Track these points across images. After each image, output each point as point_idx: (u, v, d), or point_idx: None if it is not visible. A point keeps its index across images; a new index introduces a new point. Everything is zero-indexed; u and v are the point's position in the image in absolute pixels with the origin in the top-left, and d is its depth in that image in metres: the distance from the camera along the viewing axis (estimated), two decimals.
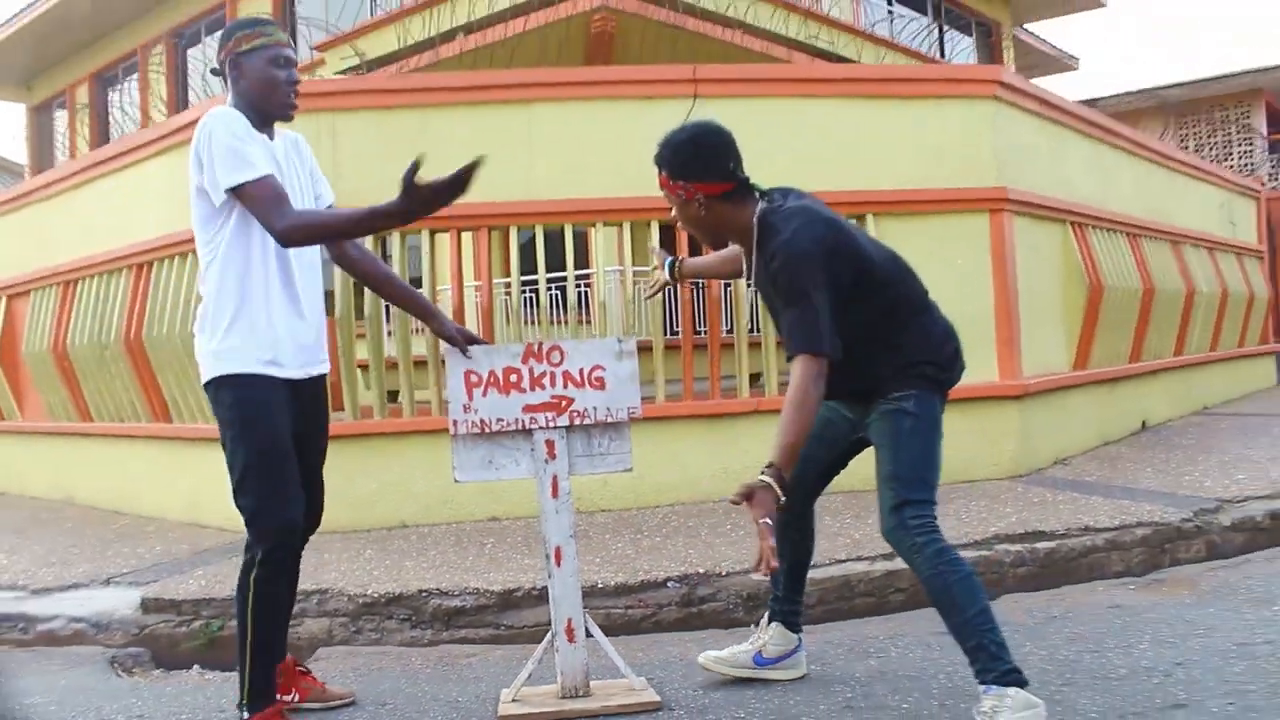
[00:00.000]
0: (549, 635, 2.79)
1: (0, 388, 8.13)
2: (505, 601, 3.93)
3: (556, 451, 2.78)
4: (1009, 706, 2.20)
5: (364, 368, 6.40)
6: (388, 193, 2.29)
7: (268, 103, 2.68)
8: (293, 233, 2.48)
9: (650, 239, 5.33)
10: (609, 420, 2.81)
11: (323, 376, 2.81)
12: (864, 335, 2.45)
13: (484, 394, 2.76)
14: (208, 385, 2.69)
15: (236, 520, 5.49)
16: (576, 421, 2.80)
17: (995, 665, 2.26)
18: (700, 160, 2.54)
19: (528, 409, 2.77)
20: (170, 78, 15.58)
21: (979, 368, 5.73)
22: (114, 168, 6.66)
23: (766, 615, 2.95)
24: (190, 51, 16.05)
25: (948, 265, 5.68)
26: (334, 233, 2.65)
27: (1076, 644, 3.03)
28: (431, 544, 4.79)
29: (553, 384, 2.78)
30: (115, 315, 6.44)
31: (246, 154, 2.52)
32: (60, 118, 18.72)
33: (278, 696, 2.66)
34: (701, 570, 3.96)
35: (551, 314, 5.86)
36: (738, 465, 5.38)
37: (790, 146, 5.63)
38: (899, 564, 4.02)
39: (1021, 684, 2.25)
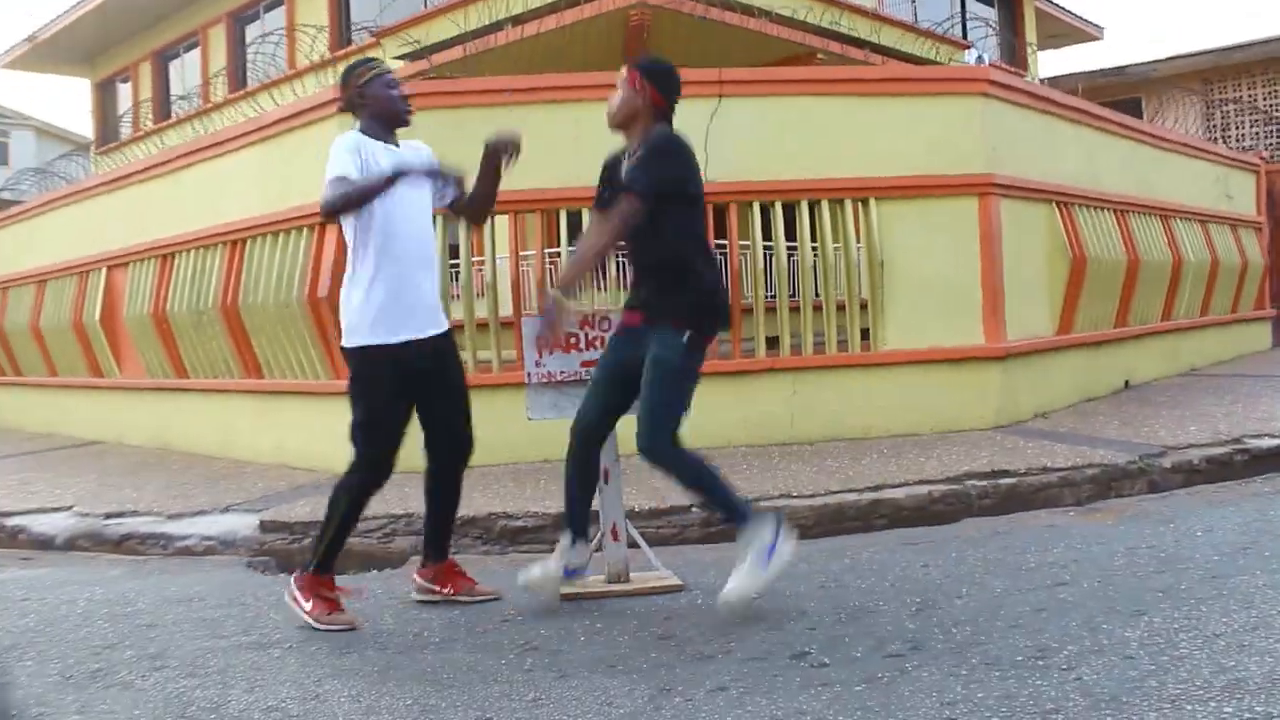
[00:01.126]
0: (598, 535, 3.69)
1: (101, 349, 9.14)
2: (559, 523, 4.82)
3: None
4: (752, 528, 3.18)
5: None
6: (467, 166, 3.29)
7: (392, 115, 3.56)
8: (324, 207, 3.37)
9: None
10: None
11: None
12: (687, 250, 3.35)
13: (550, 354, 3.65)
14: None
15: (320, 461, 6.43)
16: None
17: (738, 515, 3.24)
18: (669, 82, 3.51)
19: (584, 364, 3.67)
20: (230, 55, 16.48)
21: (967, 332, 6.56)
22: (210, 155, 7.59)
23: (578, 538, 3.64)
24: (249, 28, 16.91)
25: (939, 242, 6.51)
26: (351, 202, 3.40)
27: (1008, 550, 3.89)
28: (493, 480, 5.70)
29: (602, 345, 3.66)
30: (211, 285, 7.39)
31: (336, 165, 3.35)
32: (123, 92, 19.68)
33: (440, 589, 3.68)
34: None
35: (595, 280, 6.74)
36: (755, 415, 6.27)
37: (803, 138, 6.46)
38: (884, 494, 4.91)
39: (749, 516, 3.22)
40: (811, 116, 6.51)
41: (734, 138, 6.32)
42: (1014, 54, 17.24)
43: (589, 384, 3.53)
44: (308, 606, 3.45)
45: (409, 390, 3.52)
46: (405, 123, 3.62)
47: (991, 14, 17.60)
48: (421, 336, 3.49)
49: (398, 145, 3.59)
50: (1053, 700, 2.26)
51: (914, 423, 6.48)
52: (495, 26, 10.24)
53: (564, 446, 6.24)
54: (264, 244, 6.92)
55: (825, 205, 6.51)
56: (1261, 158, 12.21)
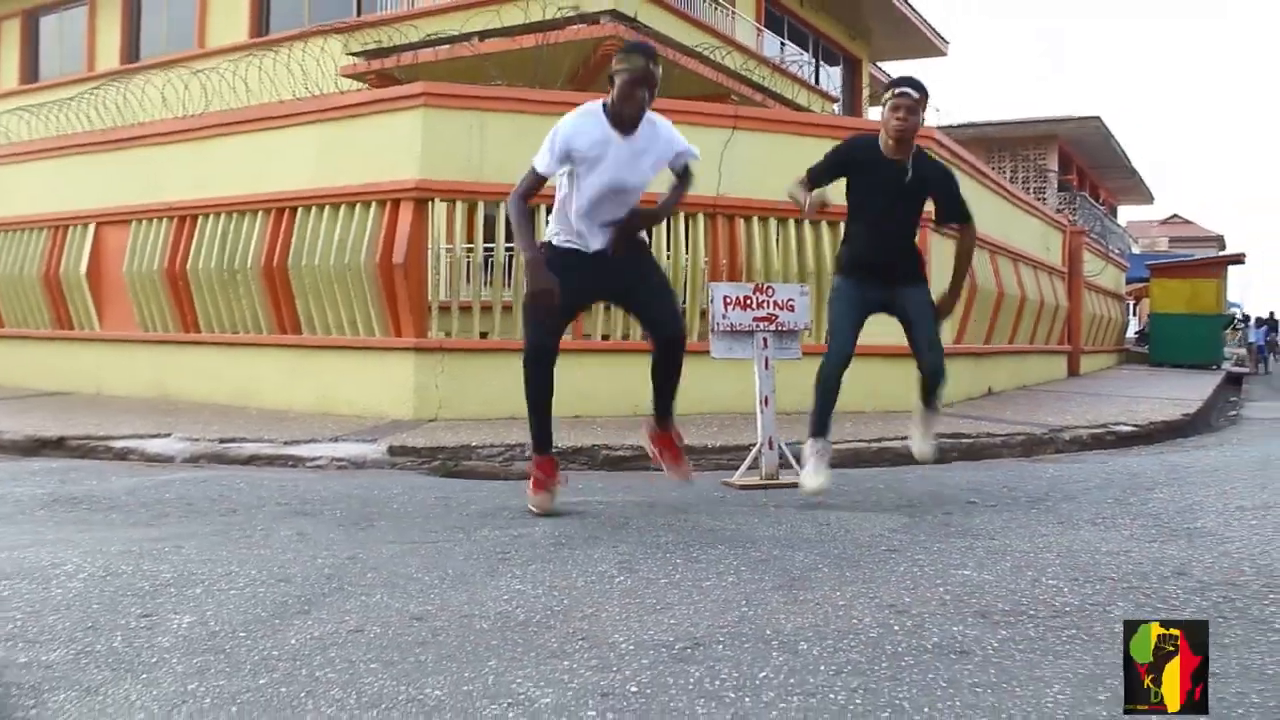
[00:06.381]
0: (758, 445, 5.05)
1: (83, 302, 9.53)
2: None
3: (768, 344, 5.07)
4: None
5: None
6: (524, 166, 4.15)
7: (621, 108, 4.07)
8: (508, 206, 4.31)
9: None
10: (794, 329, 5.12)
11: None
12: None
13: (732, 309, 5.00)
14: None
15: (370, 409, 7.31)
16: (778, 328, 5.08)
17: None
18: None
19: (755, 319, 5.03)
20: (126, 20, 16.44)
21: (900, 335, 8.28)
22: (252, 128, 8.35)
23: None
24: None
25: None
26: (517, 236, 4.34)
27: (1025, 472, 5.55)
28: (599, 425, 6.87)
29: (768, 306, 5.05)
30: (251, 247, 8.13)
31: (544, 149, 4.18)
32: None
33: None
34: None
35: None
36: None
37: (787, 169, 8.01)
38: (885, 444, 6.47)
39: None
40: (797, 151, 8.08)
41: (743, 162, 7.82)
42: (854, 106, 19.66)
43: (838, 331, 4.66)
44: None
45: None
46: (628, 118, 4.06)
47: (838, 71, 20.00)
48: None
49: (633, 129, 4.12)
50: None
51: (860, 402, 8.12)
52: (463, 37, 11.31)
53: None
54: (322, 213, 7.78)
55: (808, 225, 8.11)
56: (1070, 220, 14.87)
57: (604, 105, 4.17)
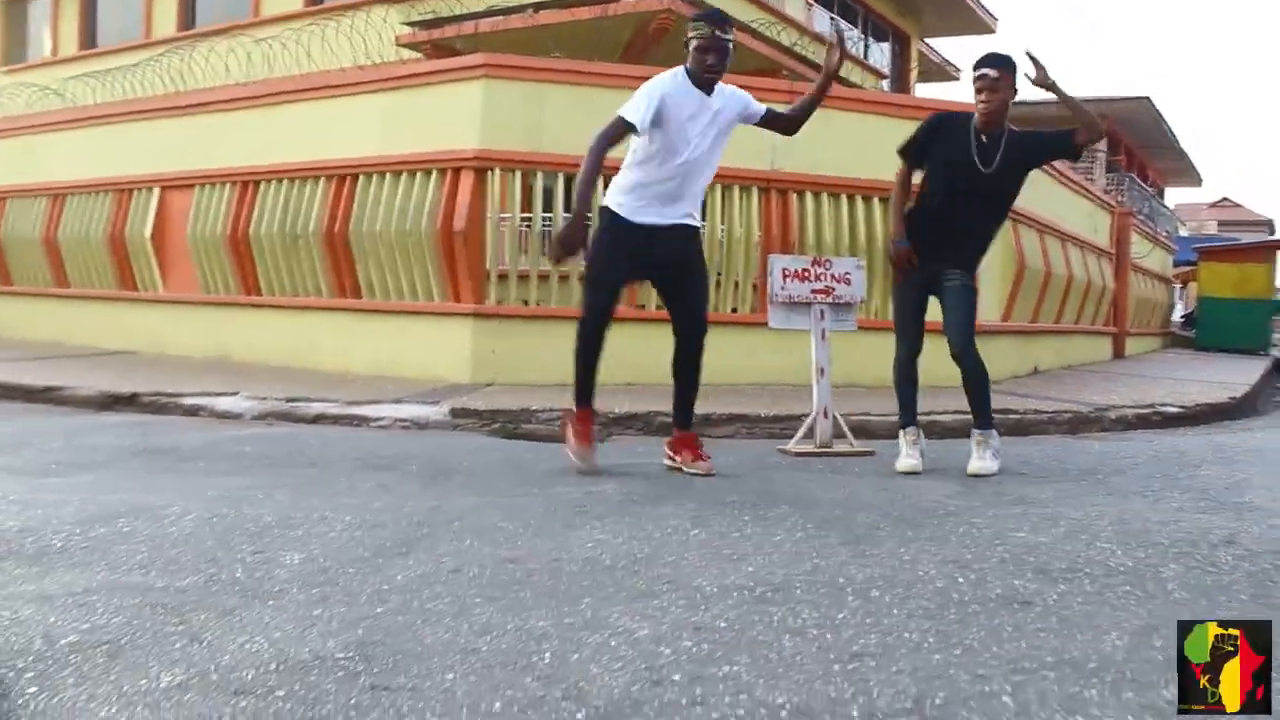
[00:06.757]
0: (812, 414, 5.20)
1: (148, 264, 9.81)
2: (707, 420, 6.28)
3: (825, 316, 5.20)
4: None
5: None
6: (581, 138, 4.38)
7: (698, 71, 4.39)
8: (590, 149, 4.32)
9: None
10: (850, 302, 5.25)
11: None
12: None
13: (791, 281, 5.14)
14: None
15: (426, 371, 7.52)
16: (835, 300, 5.22)
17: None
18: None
19: (813, 292, 5.17)
20: None
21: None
22: (315, 96, 8.56)
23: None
24: None
25: None
26: (581, 174, 4.35)
27: (1065, 448, 5.66)
28: (651, 393, 7.02)
29: (825, 279, 5.18)
30: (312, 212, 8.35)
31: (636, 103, 4.38)
32: (35, 10, 19.30)
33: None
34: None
35: None
36: (795, 363, 7.86)
37: (841, 145, 8.10)
38: (934, 418, 6.58)
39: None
40: (842, 126, 8.18)
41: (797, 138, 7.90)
42: (901, 83, 19.61)
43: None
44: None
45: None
46: (704, 82, 4.40)
47: (886, 48, 19.94)
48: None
49: (710, 92, 4.44)
50: None
51: None
52: (517, 9, 11.44)
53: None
54: (384, 180, 7.97)
55: (859, 200, 8.20)
56: (1118, 201, 14.80)
57: (685, 70, 4.44)
